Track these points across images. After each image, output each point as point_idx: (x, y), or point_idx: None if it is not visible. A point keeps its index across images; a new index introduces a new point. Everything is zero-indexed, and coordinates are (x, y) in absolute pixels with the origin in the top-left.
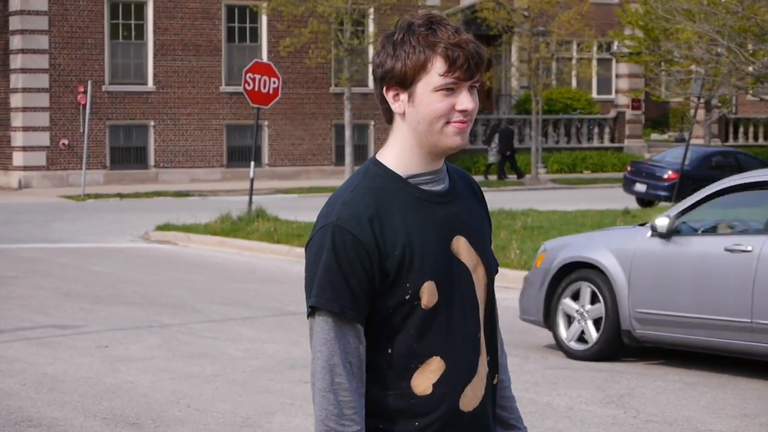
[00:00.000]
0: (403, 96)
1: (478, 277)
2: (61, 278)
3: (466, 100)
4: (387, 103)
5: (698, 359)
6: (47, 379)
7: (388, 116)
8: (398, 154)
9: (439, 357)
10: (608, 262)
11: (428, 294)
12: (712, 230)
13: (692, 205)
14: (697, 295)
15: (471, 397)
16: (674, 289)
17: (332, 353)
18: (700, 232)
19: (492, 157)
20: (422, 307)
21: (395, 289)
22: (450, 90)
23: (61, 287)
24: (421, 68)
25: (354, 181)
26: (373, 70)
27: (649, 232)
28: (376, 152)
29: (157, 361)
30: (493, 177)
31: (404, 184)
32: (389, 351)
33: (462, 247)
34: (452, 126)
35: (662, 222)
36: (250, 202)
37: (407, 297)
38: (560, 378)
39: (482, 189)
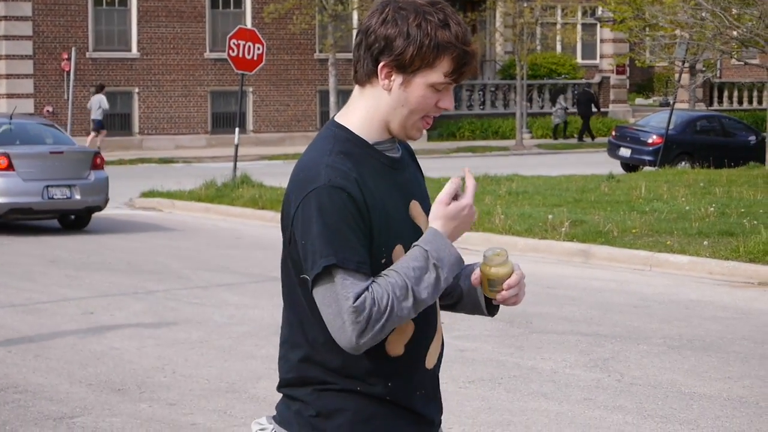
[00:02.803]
0: (397, 77)
1: None
2: (46, 245)
3: (449, 101)
4: (371, 69)
5: (683, 321)
6: (33, 346)
7: (364, 80)
8: (364, 121)
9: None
10: None
11: (398, 257)
12: None
13: None
14: None
15: (433, 355)
16: None
17: (357, 295)
18: None
19: (556, 119)
20: None
21: (372, 253)
22: (441, 88)
23: (46, 254)
24: (429, 63)
25: (326, 145)
26: (370, 36)
27: None
28: None
29: (142, 327)
30: (562, 139)
31: (371, 150)
32: None
33: (417, 211)
34: (423, 122)
35: None
36: (235, 168)
37: (383, 261)
38: (544, 342)
39: (556, 150)
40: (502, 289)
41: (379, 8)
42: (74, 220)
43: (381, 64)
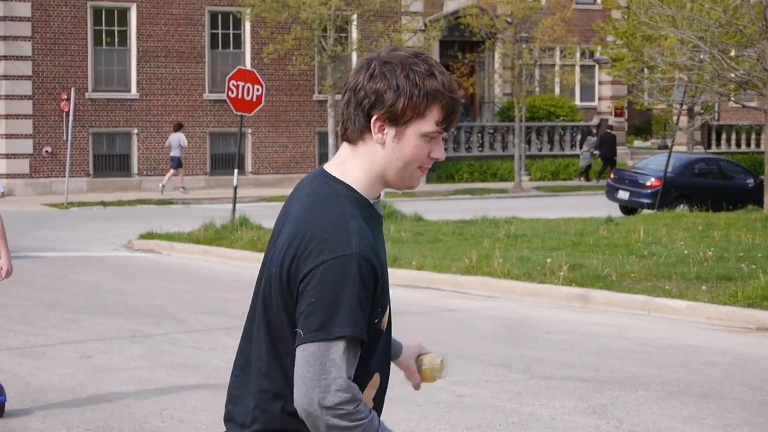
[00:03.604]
0: (390, 130)
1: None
2: (44, 288)
3: (441, 150)
4: (363, 126)
5: (682, 368)
6: (30, 390)
7: (356, 137)
8: (363, 179)
9: (378, 373)
10: None
11: (386, 317)
12: None
13: None
14: None
15: (383, 404)
16: None
17: (348, 377)
18: None
19: (584, 161)
20: (381, 329)
21: (372, 315)
22: (431, 137)
23: (44, 297)
24: (420, 113)
25: (342, 207)
26: (359, 93)
27: None
28: None
29: (140, 371)
30: (594, 181)
31: (372, 210)
32: None
33: (387, 267)
34: (420, 171)
35: None
36: (234, 210)
37: (376, 321)
38: (543, 388)
39: (586, 193)
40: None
41: (365, 65)
42: None
43: (374, 118)
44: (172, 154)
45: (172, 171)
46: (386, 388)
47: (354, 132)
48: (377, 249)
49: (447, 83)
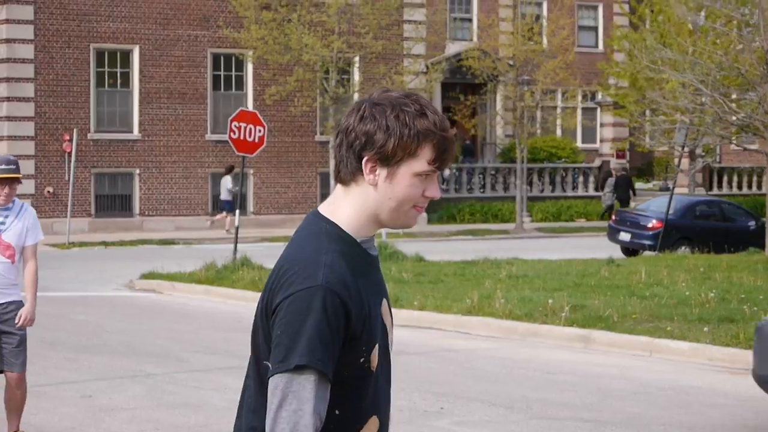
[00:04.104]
0: (381, 171)
1: (392, 336)
2: (45, 327)
3: (435, 189)
4: (355, 167)
5: (683, 409)
6: (31, 430)
7: (348, 179)
8: (353, 218)
9: (376, 416)
10: None
11: (375, 357)
12: None
13: None
14: None
15: None
16: None
17: (313, 411)
18: None
19: (606, 201)
20: (371, 370)
21: (353, 354)
22: (426, 176)
23: (45, 336)
24: (411, 153)
25: (320, 242)
26: (350, 134)
27: None
28: None
29: (141, 411)
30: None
31: (359, 249)
32: (336, 412)
33: (385, 309)
34: (415, 210)
35: None
36: (235, 250)
37: (362, 360)
38: (545, 428)
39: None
40: None
41: (356, 107)
42: None
43: (365, 160)
44: (222, 197)
45: (224, 213)
46: (387, 429)
47: (346, 174)
48: (351, 283)
49: (438, 122)
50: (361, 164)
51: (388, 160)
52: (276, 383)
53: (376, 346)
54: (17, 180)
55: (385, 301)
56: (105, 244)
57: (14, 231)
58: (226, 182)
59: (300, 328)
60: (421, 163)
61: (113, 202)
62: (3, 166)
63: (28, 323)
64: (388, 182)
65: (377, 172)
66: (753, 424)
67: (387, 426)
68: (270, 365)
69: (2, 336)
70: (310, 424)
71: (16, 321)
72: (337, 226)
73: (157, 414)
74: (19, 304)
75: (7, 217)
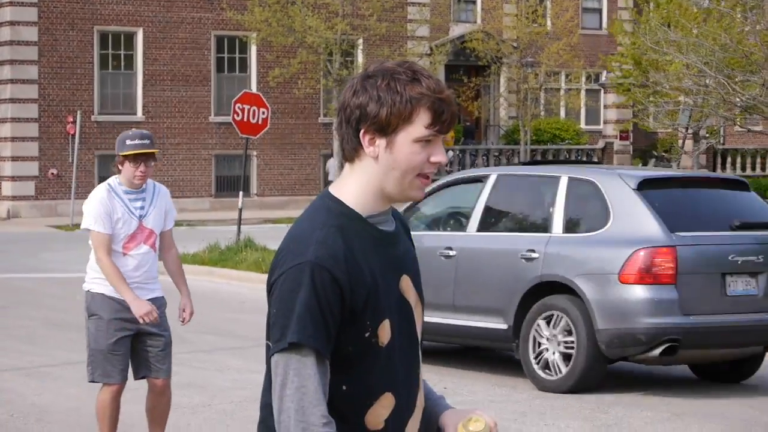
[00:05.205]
0: (380, 141)
1: (418, 314)
2: (50, 308)
3: (441, 154)
4: (355, 142)
5: (687, 388)
6: (35, 410)
7: (352, 155)
8: (359, 194)
9: (390, 393)
10: None
11: (384, 332)
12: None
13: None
14: None
15: (411, 430)
16: None
17: (314, 389)
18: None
19: None
20: (379, 345)
21: (357, 328)
22: (427, 141)
23: (50, 317)
24: (406, 119)
25: (319, 218)
26: (346, 110)
27: None
28: None
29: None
30: None
31: (365, 224)
32: (344, 388)
33: (408, 285)
34: (419, 180)
35: None
36: (239, 231)
37: (367, 335)
38: (548, 408)
39: None
40: None
41: (350, 83)
42: None
43: (362, 132)
44: (330, 178)
45: None
46: (408, 408)
47: (349, 151)
48: (352, 257)
49: (432, 86)
50: (359, 138)
51: (385, 129)
52: (276, 362)
53: (386, 321)
54: (153, 157)
55: (406, 277)
56: None
57: (154, 215)
58: (333, 164)
59: (292, 305)
60: (418, 128)
61: None
62: (137, 141)
63: (190, 316)
64: (389, 152)
65: (377, 143)
66: (756, 404)
67: (409, 406)
68: (270, 344)
69: (146, 338)
70: (314, 401)
71: (180, 318)
72: (340, 201)
73: None
74: (162, 301)
75: (144, 200)
